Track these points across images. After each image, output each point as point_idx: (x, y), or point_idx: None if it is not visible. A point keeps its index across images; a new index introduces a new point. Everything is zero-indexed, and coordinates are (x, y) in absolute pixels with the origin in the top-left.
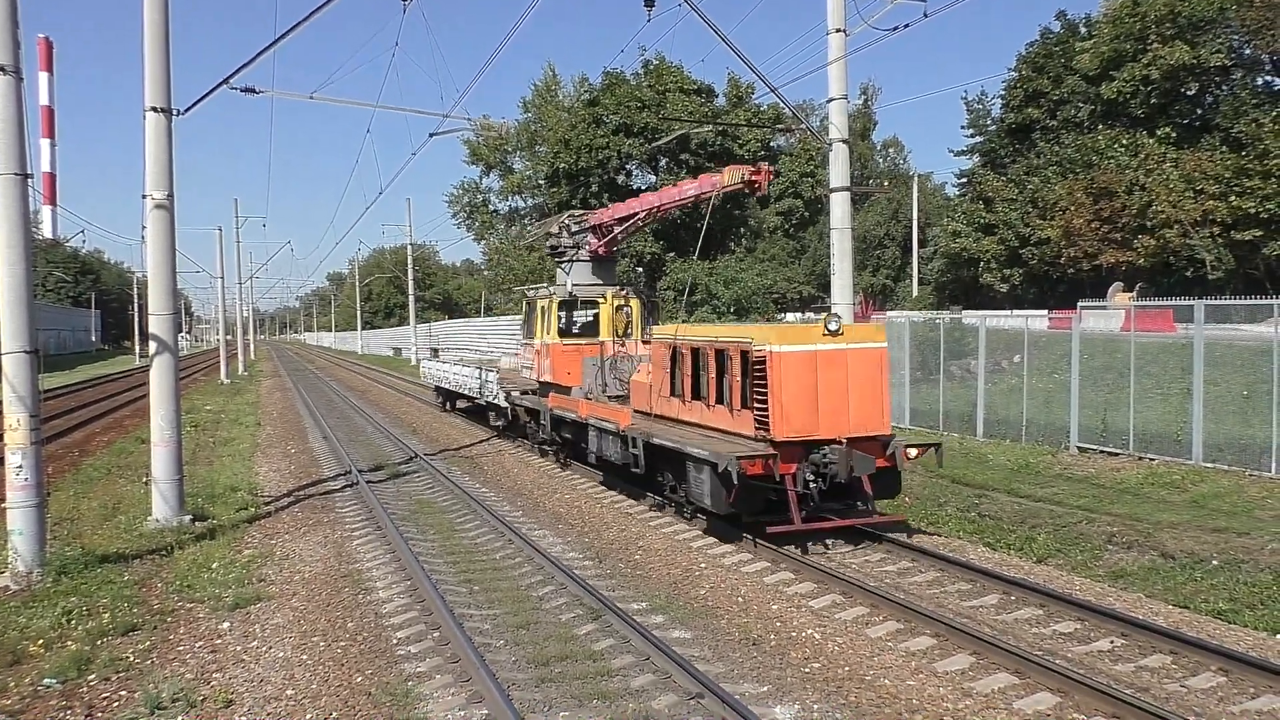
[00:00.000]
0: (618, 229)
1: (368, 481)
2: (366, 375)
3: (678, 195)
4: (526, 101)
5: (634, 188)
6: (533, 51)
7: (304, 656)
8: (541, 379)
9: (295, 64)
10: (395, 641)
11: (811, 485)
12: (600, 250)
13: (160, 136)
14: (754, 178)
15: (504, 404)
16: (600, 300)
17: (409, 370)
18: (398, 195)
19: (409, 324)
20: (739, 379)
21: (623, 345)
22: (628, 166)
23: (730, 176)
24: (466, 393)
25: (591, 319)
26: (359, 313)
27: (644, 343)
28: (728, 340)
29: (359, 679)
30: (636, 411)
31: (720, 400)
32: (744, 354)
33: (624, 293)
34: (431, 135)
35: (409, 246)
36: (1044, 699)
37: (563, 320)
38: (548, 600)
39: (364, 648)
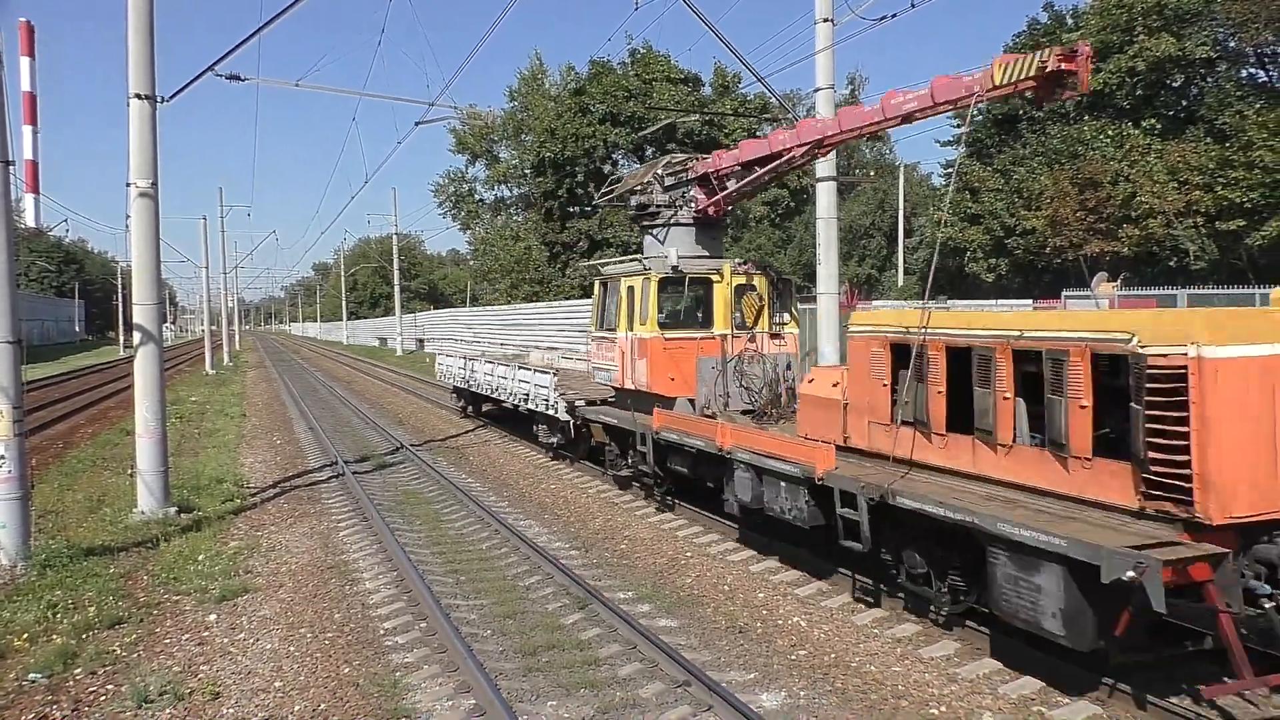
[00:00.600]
0: (734, 184)
1: (354, 473)
2: (352, 366)
3: (879, 116)
4: (513, 90)
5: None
6: (519, 40)
7: (291, 648)
8: (628, 385)
9: (281, 52)
10: (383, 632)
11: (1269, 605)
12: (710, 210)
13: (144, 124)
14: (1065, 65)
15: (564, 417)
16: (714, 278)
17: (395, 361)
18: (383, 185)
19: (394, 314)
20: (1085, 404)
21: (751, 341)
22: (614, 156)
23: (1004, 73)
24: (498, 397)
25: (696, 303)
26: (344, 303)
27: (773, 337)
28: (1059, 335)
29: (347, 670)
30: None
31: (1020, 438)
32: (1112, 360)
33: (746, 267)
34: (417, 124)
35: (394, 236)
36: (1029, 683)
37: (662, 306)
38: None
39: (351, 639)
